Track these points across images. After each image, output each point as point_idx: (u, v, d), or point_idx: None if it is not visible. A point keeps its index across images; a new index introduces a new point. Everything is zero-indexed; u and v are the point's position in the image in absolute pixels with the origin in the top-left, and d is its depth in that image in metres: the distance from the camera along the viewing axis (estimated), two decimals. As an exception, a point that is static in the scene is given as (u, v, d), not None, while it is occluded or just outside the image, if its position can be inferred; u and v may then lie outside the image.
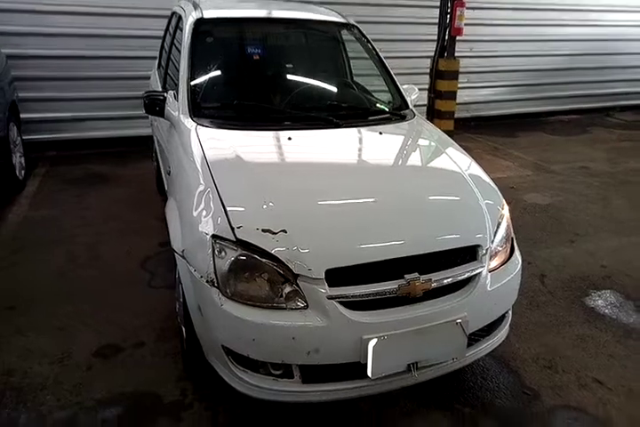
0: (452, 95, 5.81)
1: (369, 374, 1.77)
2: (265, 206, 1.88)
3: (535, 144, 6.41)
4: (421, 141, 2.66)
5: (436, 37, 5.92)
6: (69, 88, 5.15)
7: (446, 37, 5.75)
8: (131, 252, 3.35)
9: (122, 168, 4.95)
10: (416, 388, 2.14)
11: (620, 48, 8.08)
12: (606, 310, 2.85)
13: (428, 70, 5.96)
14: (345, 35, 3.33)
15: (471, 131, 6.84)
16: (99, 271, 3.12)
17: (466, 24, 5.71)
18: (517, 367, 2.37)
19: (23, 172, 4.39)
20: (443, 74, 5.74)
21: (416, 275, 1.80)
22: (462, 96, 6.44)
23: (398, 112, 2.83)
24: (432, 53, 5.94)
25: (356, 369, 1.79)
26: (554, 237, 3.77)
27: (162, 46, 4.06)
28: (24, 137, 4.59)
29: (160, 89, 3.38)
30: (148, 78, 4.50)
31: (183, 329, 2.17)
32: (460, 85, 6.01)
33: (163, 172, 2.96)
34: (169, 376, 2.26)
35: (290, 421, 2.05)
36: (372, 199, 2.02)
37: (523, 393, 2.22)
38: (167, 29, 3.94)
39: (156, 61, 4.23)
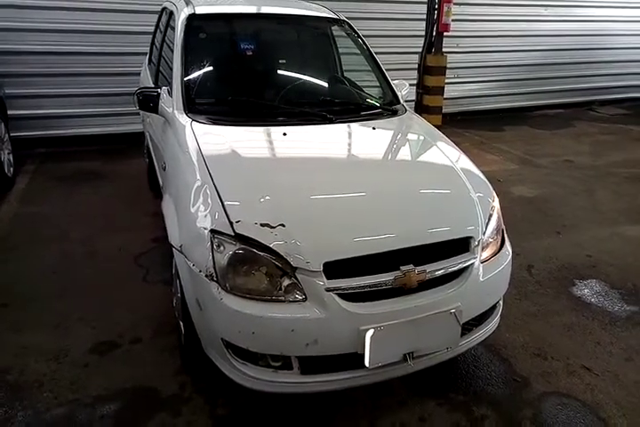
0: (439, 90, 5.87)
1: (366, 364, 1.81)
2: (262, 201, 1.91)
3: (521, 138, 6.51)
4: (413, 136, 2.70)
5: (423, 33, 5.98)
6: (57, 84, 5.10)
7: (434, 33, 5.79)
8: (124, 248, 3.36)
9: (112, 165, 4.93)
10: (410, 377, 2.18)
11: (602, 43, 8.22)
12: (592, 299, 2.93)
13: (416, 66, 6.01)
14: (336, 30, 3.35)
15: (458, 125, 6.91)
16: (93, 267, 3.12)
17: (452, 20, 5.76)
18: (508, 356, 2.44)
19: (12, 169, 4.36)
20: (430, 69, 5.79)
21: (411, 266, 1.85)
22: (449, 91, 6.52)
23: (390, 107, 2.87)
24: (420, 49, 5.99)
25: (353, 359, 1.82)
26: (540, 229, 3.85)
27: (152, 42, 4.05)
28: (12, 134, 4.54)
29: (152, 85, 3.38)
30: (138, 74, 4.49)
31: (181, 324, 2.19)
32: (447, 81, 6.08)
33: (157, 168, 2.97)
34: (167, 371, 2.28)
35: (287, 411, 2.09)
36: (367, 193, 2.06)
37: (513, 380, 2.28)
38: (157, 25, 3.93)
39: (147, 57, 4.22)
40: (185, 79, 2.63)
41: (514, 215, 4.01)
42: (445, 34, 5.83)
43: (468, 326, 2.07)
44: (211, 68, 2.82)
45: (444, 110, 6.18)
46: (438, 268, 1.91)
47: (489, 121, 7.27)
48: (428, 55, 5.86)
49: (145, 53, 4.43)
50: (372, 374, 1.86)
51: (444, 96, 6.09)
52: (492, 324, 2.19)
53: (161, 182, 2.65)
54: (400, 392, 2.19)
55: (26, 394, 2.12)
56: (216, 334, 1.86)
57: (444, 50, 5.90)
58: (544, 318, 2.73)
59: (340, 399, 2.14)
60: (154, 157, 3.15)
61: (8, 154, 4.32)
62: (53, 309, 2.70)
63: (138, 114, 4.80)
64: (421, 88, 5.97)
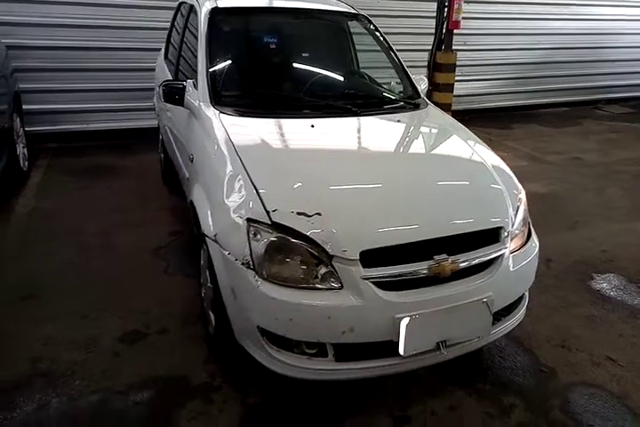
0: (449, 88, 5.89)
1: (400, 351, 1.83)
2: (297, 190, 1.94)
3: (529, 136, 6.53)
4: (438, 129, 2.73)
5: (432, 31, 6.00)
6: (70, 79, 5.08)
7: (443, 31, 5.81)
8: (142, 241, 3.37)
9: (125, 160, 4.93)
10: (438, 367, 2.21)
11: (606, 42, 8.24)
12: (611, 293, 2.96)
13: (425, 63, 6.03)
14: (353, 25, 3.37)
15: (466, 123, 6.91)
16: (113, 260, 3.13)
17: (461, 18, 5.78)
18: (532, 347, 2.46)
19: (27, 163, 4.37)
20: (440, 67, 5.81)
21: (445, 256, 1.87)
22: (457, 89, 6.52)
23: (412, 101, 2.90)
24: (429, 46, 6.01)
25: (387, 347, 1.85)
26: (555, 224, 3.88)
27: (168, 37, 4.05)
28: (25, 128, 4.55)
29: (171, 79, 3.39)
30: (150, 70, 4.50)
31: (211, 314, 2.21)
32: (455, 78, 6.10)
33: (180, 161, 2.98)
34: (195, 361, 2.30)
35: (319, 398, 2.11)
36: (399, 183, 2.08)
37: (540, 371, 2.31)
38: (174, 20, 3.95)
39: (162, 52, 4.22)
40: (210, 72, 2.65)
41: (528, 211, 4.03)
42: (454, 31, 5.85)
43: (498, 316, 2.10)
44: (235, 61, 2.84)
45: (452, 108, 6.20)
46: (471, 257, 1.94)
47: (496, 119, 7.28)
48: (438, 52, 5.88)
49: (158, 49, 4.44)
50: (406, 362, 1.88)
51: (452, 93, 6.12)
52: (520, 314, 2.22)
53: (187, 175, 2.66)
54: (428, 382, 2.21)
55: (59, 382, 2.14)
56: (251, 322, 1.88)
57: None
58: (565, 311, 2.76)
59: (371, 388, 2.16)
60: (176, 151, 3.15)
61: (23, 148, 4.32)
62: (77, 300, 2.71)
63: (150, 109, 4.82)
64: (431, 85, 5.98)
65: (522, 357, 2.40)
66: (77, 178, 4.44)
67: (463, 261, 1.91)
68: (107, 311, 2.63)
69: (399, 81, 3.11)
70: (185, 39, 3.31)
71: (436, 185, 2.14)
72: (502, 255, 2.01)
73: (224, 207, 2.00)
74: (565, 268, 3.22)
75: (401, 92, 3.07)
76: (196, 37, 2.90)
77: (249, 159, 2.08)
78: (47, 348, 2.34)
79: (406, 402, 2.10)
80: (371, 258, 1.80)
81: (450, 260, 1.87)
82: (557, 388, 2.21)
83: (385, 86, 3.10)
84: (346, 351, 1.85)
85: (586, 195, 4.55)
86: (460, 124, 2.75)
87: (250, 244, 1.84)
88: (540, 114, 7.75)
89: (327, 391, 2.14)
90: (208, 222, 2.07)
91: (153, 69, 4.44)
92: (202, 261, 2.32)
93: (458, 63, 6.12)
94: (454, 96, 6.36)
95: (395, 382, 2.19)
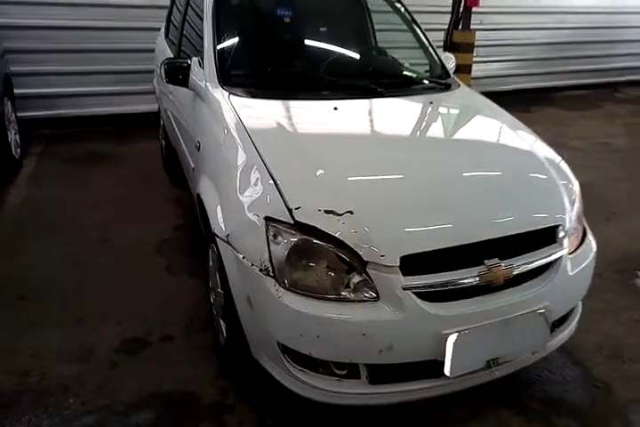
0: (467, 69, 5.54)
1: (447, 372, 1.57)
2: (323, 183, 1.66)
3: (549, 120, 6.19)
4: (477, 112, 2.42)
5: (446, 9, 5.64)
6: (65, 61, 4.76)
7: (461, 8, 5.46)
8: (142, 236, 3.09)
9: (122, 147, 4.62)
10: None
11: (627, 21, 7.86)
12: (660, 294, 2.68)
13: (442, 43, 5.68)
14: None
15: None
16: (111, 257, 2.87)
17: (477, -5, 5.43)
18: (582, 358, 2.19)
19: (19, 150, 4.08)
20: (458, 46, 5.47)
21: (497, 260, 1.59)
22: (473, 71, 6.19)
23: (442, 81, 2.58)
24: (445, 26, 5.65)
25: (429, 367, 1.58)
26: (589, 216, 3.50)
27: (169, 14, 3.72)
28: (17, 114, 4.25)
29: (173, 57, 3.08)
30: (150, 51, 4.17)
31: (222, 323, 1.94)
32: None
33: (184, 148, 2.68)
34: (204, 374, 2.04)
35: (345, 424, 1.85)
36: (444, 176, 1.79)
37: (594, 386, 2.04)
38: (174, -4, 3.62)
39: (162, 30, 3.90)
40: (218, 49, 2.34)
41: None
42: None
43: (552, 327, 1.82)
44: (245, 36, 2.54)
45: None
46: (526, 261, 1.66)
47: (514, 102, 6.82)
48: (455, 31, 5.53)
49: (157, 29, 4.12)
50: (451, 383, 1.62)
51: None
52: (574, 324, 1.95)
53: (193, 164, 2.38)
54: (470, 401, 1.94)
55: (50, 400, 1.89)
56: (271, 337, 1.62)
57: (468, 27, 5.57)
58: (613, 316, 2.49)
59: (407, 409, 1.90)
60: (179, 138, 2.85)
61: (15, 135, 4.04)
62: (73, 302, 2.46)
63: (150, 92, 4.51)
64: (448, 66, 5.66)
65: (572, 370, 2.13)
66: (73, 166, 4.16)
67: (518, 266, 1.63)
68: (105, 315, 2.37)
69: (425, 59, 2.79)
70: (188, 15, 2.98)
71: (485, 178, 1.85)
72: (561, 258, 1.73)
73: (237, 203, 1.71)
74: (607, 266, 2.92)
75: (427, 71, 2.76)
76: (200, 13, 2.59)
77: (265, 147, 1.79)
78: (37, 359, 2.09)
79: (447, 426, 1.84)
80: (411, 264, 1.52)
81: (503, 265, 1.59)
82: (616, 406, 1.95)
83: (410, 64, 2.78)
84: (382, 372, 1.59)
85: (619, 183, 4.24)
86: (500, 108, 2.45)
87: (269, 247, 1.56)
88: (557, 97, 7.39)
89: (356, 412, 1.88)
90: (218, 220, 1.79)
91: (153, 50, 4.12)
92: (211, 263, 2.05)
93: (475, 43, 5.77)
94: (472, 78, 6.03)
95: (433, 402, 1.92)
